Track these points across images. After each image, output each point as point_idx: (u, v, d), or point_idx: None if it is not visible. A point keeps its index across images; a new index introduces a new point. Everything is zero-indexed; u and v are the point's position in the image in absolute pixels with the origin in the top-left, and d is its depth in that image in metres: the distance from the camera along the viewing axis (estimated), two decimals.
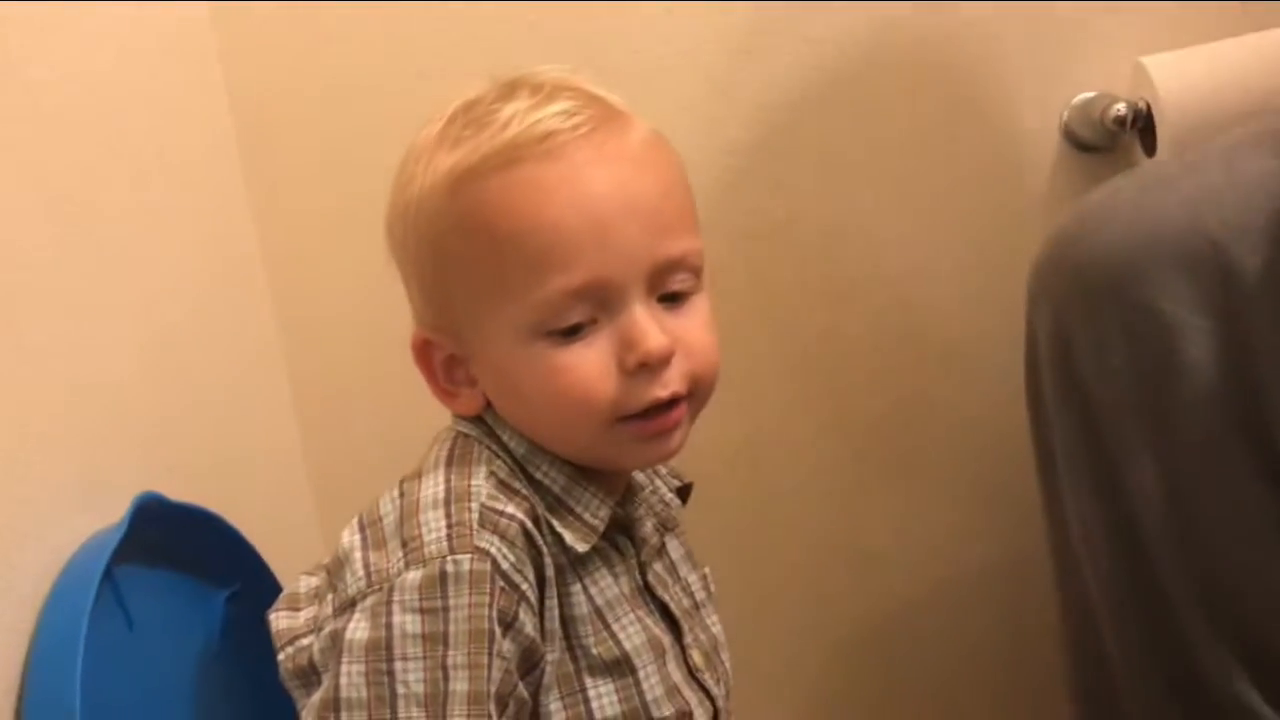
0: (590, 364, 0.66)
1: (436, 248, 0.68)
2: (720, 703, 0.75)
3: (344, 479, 1.21)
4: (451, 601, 0.62)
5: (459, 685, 0.61)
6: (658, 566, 0.76)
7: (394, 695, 0.61)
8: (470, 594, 0.62)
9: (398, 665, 0.61)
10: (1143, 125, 1.15)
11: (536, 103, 0.67)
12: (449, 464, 0.68)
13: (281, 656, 0.67)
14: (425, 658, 0.61)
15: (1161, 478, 0.89)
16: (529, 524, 0.66)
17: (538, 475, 0.70)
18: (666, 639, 0.73)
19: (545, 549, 0.67)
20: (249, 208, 1.19)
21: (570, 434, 0.69)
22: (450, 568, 0.62)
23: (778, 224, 1.24)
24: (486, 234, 0.66)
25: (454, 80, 1.14)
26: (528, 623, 0.64)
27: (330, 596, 0.67)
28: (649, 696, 0.69)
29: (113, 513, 0.75)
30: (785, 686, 1.33)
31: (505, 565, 0.63)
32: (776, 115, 1.22)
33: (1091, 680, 0.98)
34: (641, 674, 0.70)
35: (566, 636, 0.68)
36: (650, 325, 0.66)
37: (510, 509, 0.66)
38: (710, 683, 0.75)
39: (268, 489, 1.13)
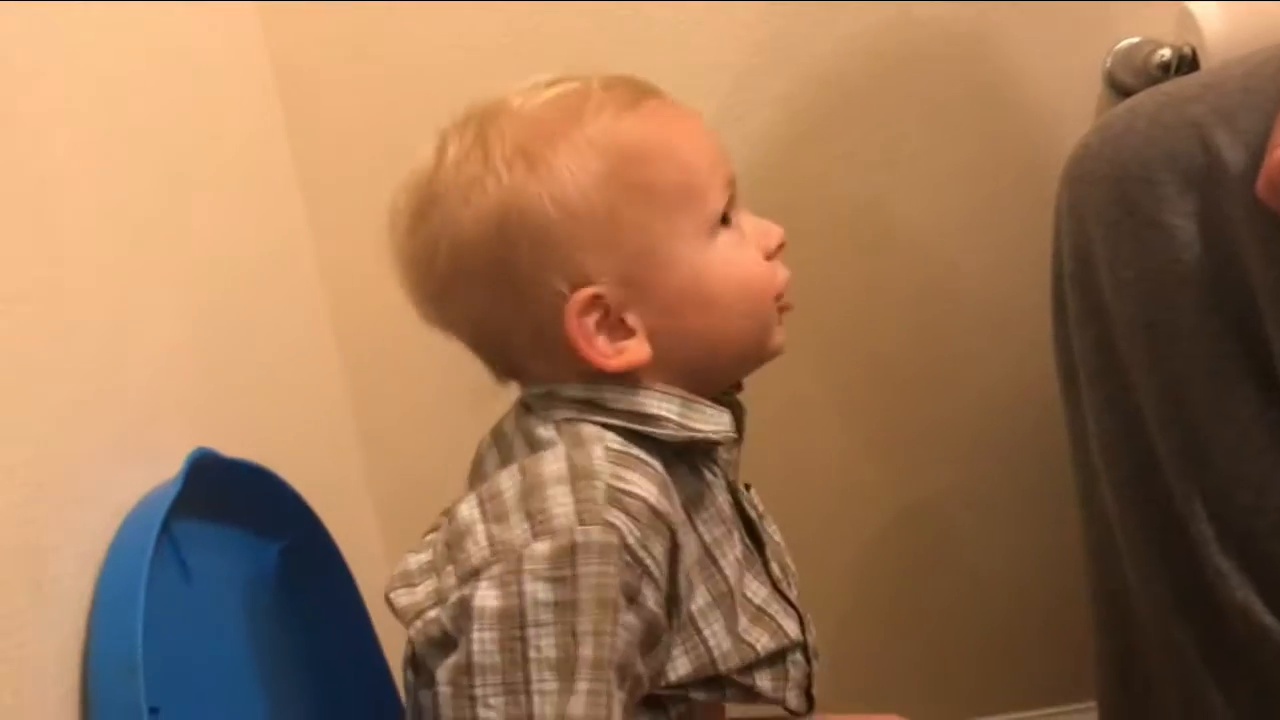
0: (753, 252, 0.75)
1: (613, 190, 0.70)
2: (804, 612, 0.78)
3: (392, 434, 1.23)
4: (580, 570, 0.63)
5: (586, 651, 0.63)
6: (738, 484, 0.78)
7: (527, 660, 0.62)
8: (598, 564, 0.63)
9: (530, 632, 0.63)
10: (1187, 71, 1.14)
11: (583, 76, 0.74)
12: (566, 445, 0.69)
13: (412, 632, 0.69)
14: (556, 623, 0.63)
15: (1168, 392, 0.91)
16: (654, 496, 0.67)
17: (654, 411, 0.71)
18: (754, 554, 0.77)
19: (677, 509, 0.68)
20: (295, 171, 1.21)
21: (747, 319, 0.74)
22: (580, 538, 0.64)
23: (815, 182, 1.24)
24: (664, 155, 0.72)
25: (494, 56, 1.17)
26: (650, 598, 0.66)
27: (450, 568, 0.68)
28: (740, 625, 0.72)
29: (168, 470, 0.77)
30: (821, 623, 1.34)
31: (631, 540, 0.65)
32: (816, 68, 1.22)
33: (1108, 588, 1.00)
34: (738, 605, 0.73)
35: (689, 582, 0.70)
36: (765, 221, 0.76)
37: (635, 486, 0.67)
38: (789, 592, 0.78)
39: (318, 445, 1.15)
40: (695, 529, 0.72)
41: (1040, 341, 1.05)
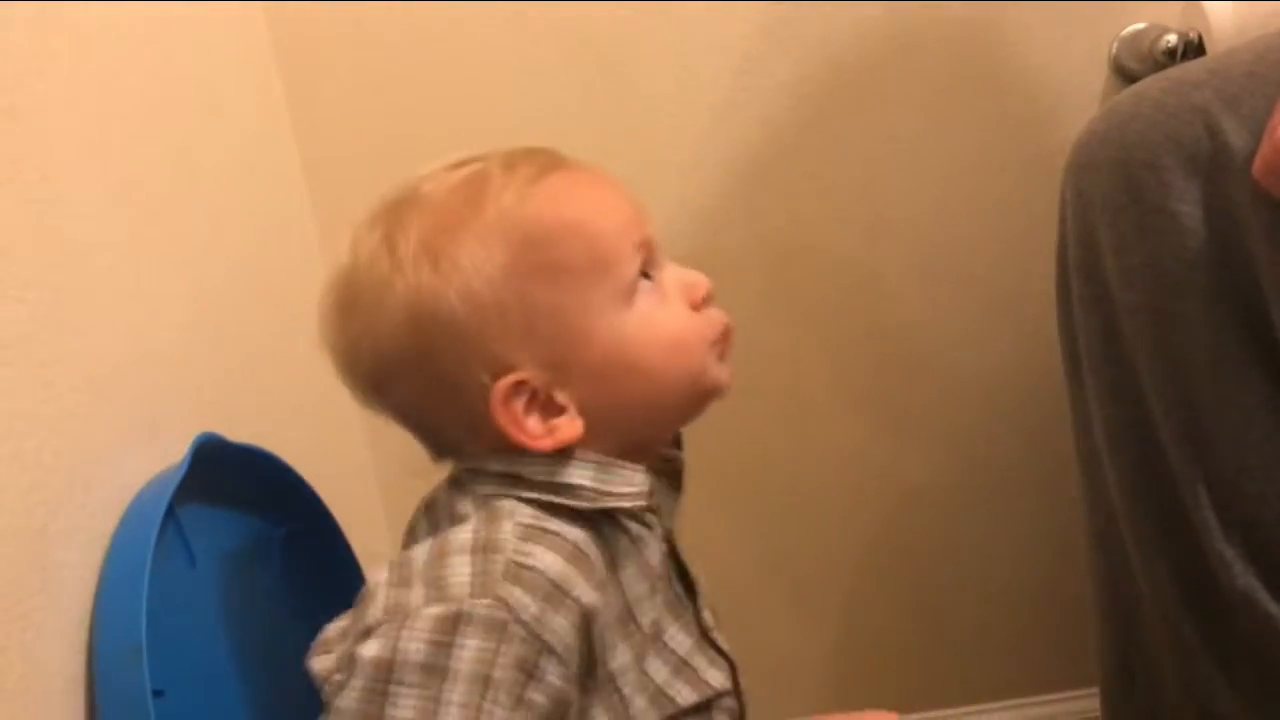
0: (681, 309, 0.74)
1: (519, 276, 0.69)
2: (734, 659, 0.77)
3: None
4: (460, 640, 0.63)
5: None
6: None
7: (382, 715, 0.62)
8: (480, 639, 0.63)
9: (393, 688, 0.62)
10: (1193, 57, 1.13)
11: (494, 153, 0.74)
12: (479, 520, 0.69)
13: (324, 695, 0.69)
14: (420, 687, 0.62)
15: (1173, 378, 0.91)
16: (555, 570, 0.67)
17: (571, 480, 0.71)
18: (683, 601, 0.77)
19: (587, 577, 0.68)
20: (299, 156, 1.21)
21: (680, 376, 0.73)
22: (468, 608, 0.64)
23: (817, 164, 1.24)
24: (566, 232, 0.71)
25: (494, 40, 1.17)
26: (552, 672, 0.65)
27: (353, 632, 0.69)
28: (658, 679, 0.72)
29: (174, 455, 0.77)
30: (820, 613, 1.35)
31: (526, 616, 0.65)
32: (820, 54, 1.22)
33: (1111, 575, 1.01)
34: (658, 653, 0.73)
35: (603, 642, 0.70)
36: (694, 273, 0.75)
37: (536, 560, 0.67)
38: (720, 640, 0.77)
39: (323, 430, 1.15)
40: (619, 586, 0.72)
41: (1045, 328, 1.04)
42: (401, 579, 0.67)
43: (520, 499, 0.70)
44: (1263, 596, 0.91)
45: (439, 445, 0.75)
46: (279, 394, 1.05)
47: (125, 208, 0.84)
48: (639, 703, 0.71)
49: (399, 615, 0.65)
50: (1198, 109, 0.89)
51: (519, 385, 0.70)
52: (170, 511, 0.74)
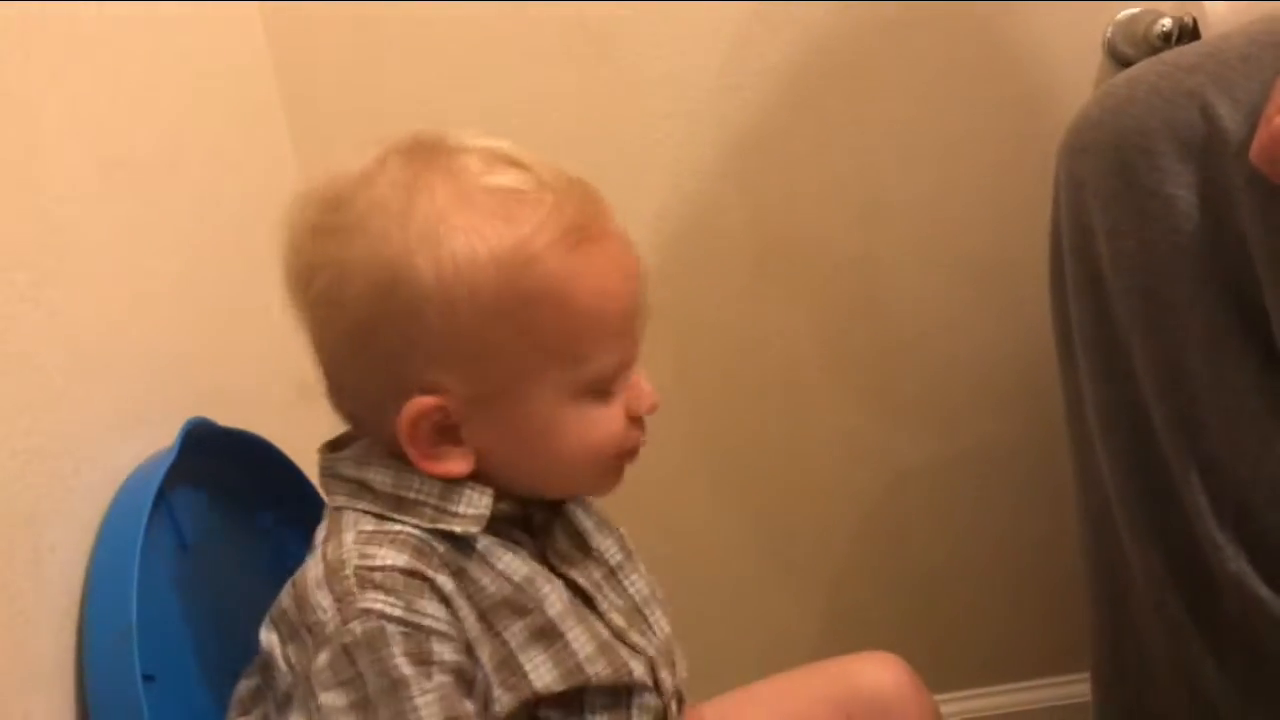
0: (618, 416, 0.73)
1: (498, 313, 0.68)
2: (652, 652, 0.76)
3: None
4: (359, 667, 0.64)
5: None
6: (561, 545, 0.76)
7: None
8: (371, 654, 0.64)
9: None
10: (1188, 41, 1.13)
11: (547, 173, 0.71)
12: (325, 541, 0.70)
13: None
14: (355, 712, 0.63)
15: (1166, 361, 0.92)
16: (406, 560, 0.67)
17: (410, 495, 0.70)
18: (582, 610, 0.75)
19: (438, 569, 0.68)
20: (289, 134, 1.21)
21: (578, 472, 0.73)
22: (348, 638, 0.64)
23: (811, 146, 1.24)
24: (568, 308, 0.69)
25: (487, 15, 1.16)
26: (445, 651, 0.66)
27: (269, 694, 0.70)
28: (581, 655, 0.71)
29: (165, 439, 0.77)
30: (812, 593, 1.35)
31: (396, 612, 0.65)
32: (815, 36, 1.21)
33: (1103, 558, 1.01)
34: (570, 635, 0.71)
35: (490, 627, 0.69)
36: (649, 383, 0.74)
37: (381, 559, 0.67)
38: (637, 639, 0.75)
39: (315, 416, 1.14)
40: (493, 570, 0.71)
41: (1038, 311, 1.04)
42: (289, 634, 0.68)
43: (363, 512, 0.70)
44: (1254, 580, 0.91)
45: (336, 398, 0.75)
46: (271, 378, 1.05)
47: (114, 188, 0.84)
48: (547, 677, 0.70)
49: (302, 677, 0.66)
50: (1192, 93, 0.89)
51: (436, 409, 0.69)
52: (161, 495, 0.74)
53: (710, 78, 1.22)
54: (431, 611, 0.66)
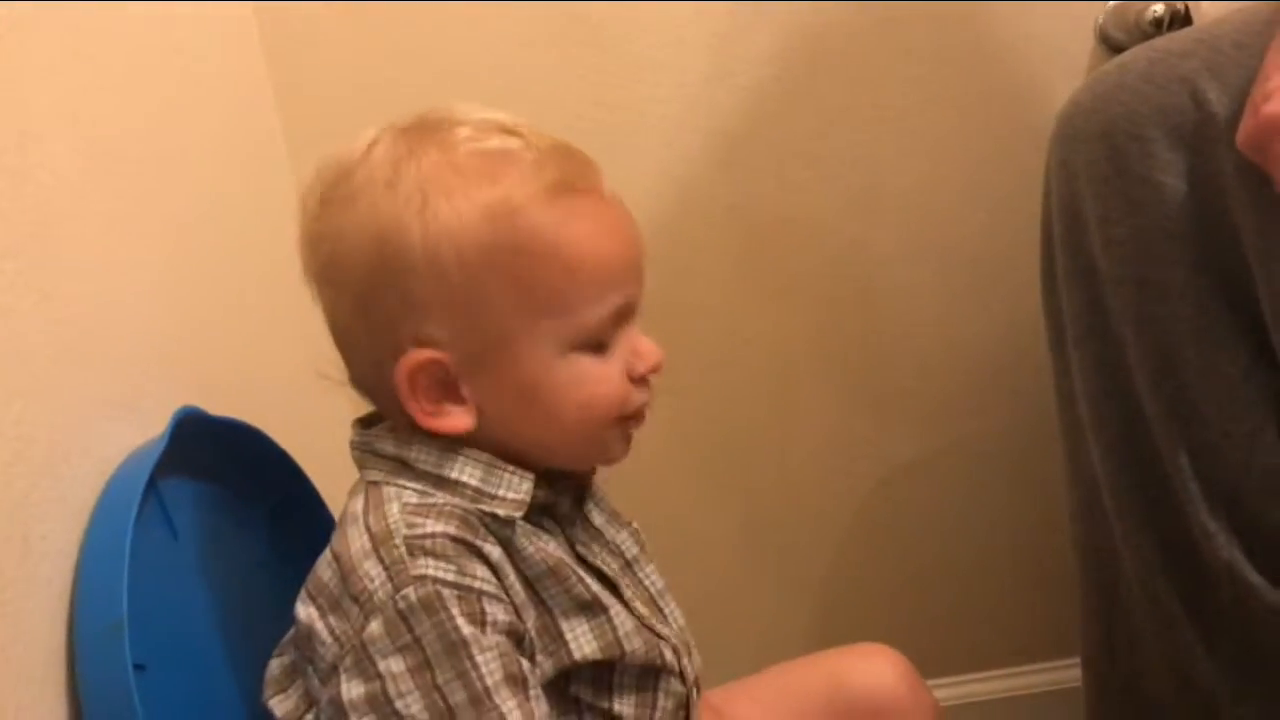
0: (616, 373, 0.73)
1: (487, 267, 0.69)
2: (675, 640, 0.77)
3: None
4: (418, 631, 0.65)
5: (457, 697, 0.64)
6: (583, 537, 0.77)
7: None
8: (429, 618, 0.65)
9: (399, 704, 0.65)
10: (1179, 28, 1.13)
11: (537, 138, 0.72)
12: (365, 514, 0.70)
13: None
14: (418, 688, 0.64)
15: (1157, 350, 0.92)
16: (454, 529, 0.68)
17: (452, 476, 0.71)
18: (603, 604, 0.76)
19: (484, 538, 0.69)
20: (280, 123, 1.20)
21: (579, 433, 0.73)
22: (403, 604, 0.65)
23: (801, 135, 1.24)
24: (553, 257, 0.70)
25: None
26: (498, 611, 0.67)
27: (309, 669, 0.70)
28: (621, 631, 0.73)
29: (156, 428, 0.77)
30: (802, 585, 1.35)
31: (449, 577, 0.66)
32: (808, 23, 1.21)
33: (1095, 546, 1.01)
34: (612, 610, 0.73)
35: (536, 595, 0.71)
36: (652, 341, 0.75)
37: (430, 527, 0.68)
38: (658, 625, 0.77)
39: (308, 405, 1.14)
40: (535, 545, 0.72)
41: (1029, 300, 1.04)
42: (330, 606, 0.68)
43: (404, 488, 0.71)
44: (1245, 567, 0.92)
45: (351, 369, 0.76)
46: (263, 367, 1.04)
47: (106, 176, 0.84)
48: (586, 649, 0.71)
49: (352, 644, 0.66)
50: (1183, 79, 0.89)
51: (433, 362, 0.70)
52: (152, 485, 0.74)
53: (702, 64, 1.22)
54: (481, 574, 0.67)
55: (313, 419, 1.16)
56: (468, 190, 0.69)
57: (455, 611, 0.65)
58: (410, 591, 0.65)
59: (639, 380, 0.74)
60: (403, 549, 0.67)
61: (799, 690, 0.88)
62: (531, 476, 0.72)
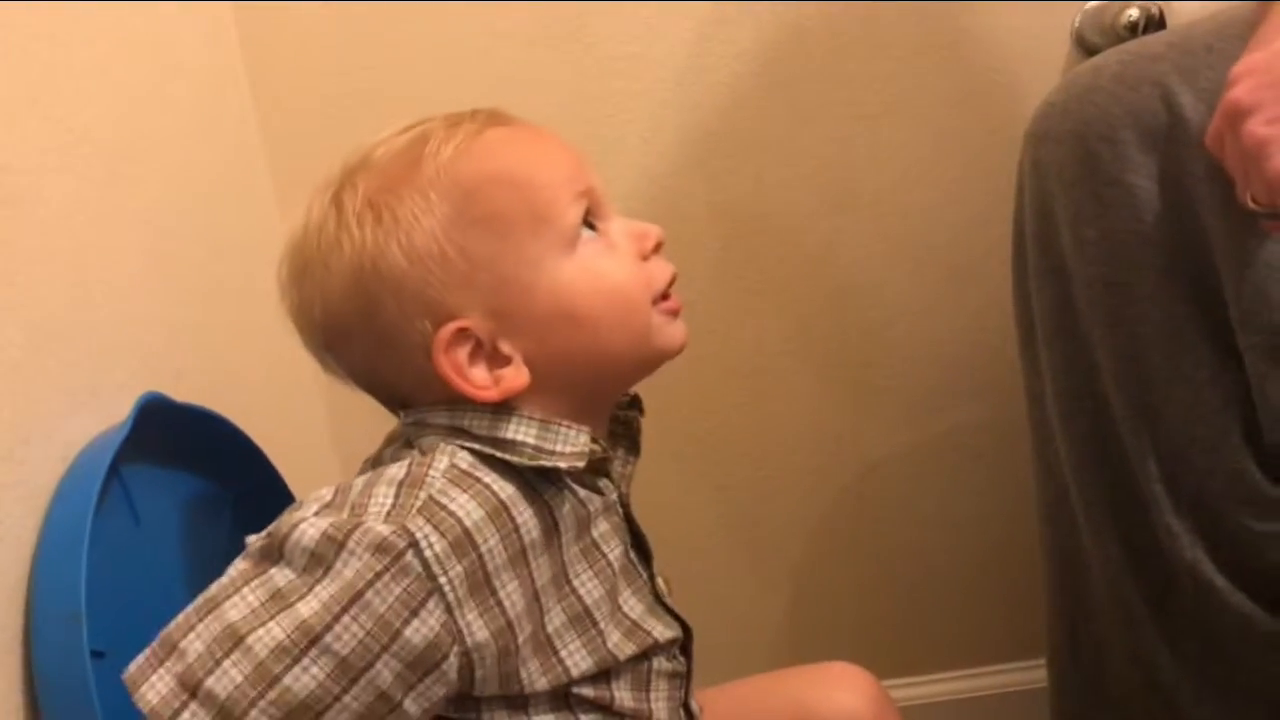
0: (623, 257, 0.74)
1: (458, 228, 0.71)
2: (689, 625, 0.78)
3: None
4: (351, 545, 0.64)
5: (305, 609, 0.63)
6: (628, 500, 0.78)
7: (258, 579, 0.65)
8: (368, 556, 0.64)
9: (281, 564, 0.65)
10: (1154, 31, 1.14)
11: (446, 114, 0.75)
12: (420, 451, 0.71)
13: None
14: (303, 574, 0.64)
15: (1126, 351, 0.92)
16: (471, 520, 0.67)
17: (511, 436, 0.71)
18: (638, 568, 0.77)
19: (506, 533, 0.68)
20: (255, 110, 1.20)
21: (625, 329, 0.74)
22: (370, 525, 0.64)
23: (780, 133, 1.24)
24: (503, 184, 0.72)
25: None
26: (435, 615, 0.65)
27: None
28: (610, 642, 0.73)
29: (119, 414, 0.76)
30: (777, 579, 1.36)
31: (427, 551, 0.65)
32: (784, 21, 1.21)
33: (1061, 546, 1.02)
34: (602, 624, 0.73)
35: (539, 605, 0.70)
36: (643, 223, 0.76)
37: (456, 505, 0.67)
38: (674, 605, 0.78)
39: (277, 392, 1.14)
40: (554, 549, 0.72)
41: (1004, 299, 1.05)
42: (335, 503, 0.68)
43: (460, 447, 0.70)
44: (1209, 568, 0.92)
45: (394, 401, 0.76)
46: (231, 354, 1.04)
47: (72, 161, 0.83)
48: (583, 665, 0.72)
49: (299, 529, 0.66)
50: (1155, 82, 0.89)
51: (461, 333, 0.70)
52: (115, 471, 0.73)
53: (681, 59, 1.22)
54: (454, 577, 0.66)
55: (284, 406, 1.16)
56: (407, 179, 0.71)
57: (395, 581, 0.64)
58: (386, 529, 0.64)
59: (649, 257, 0.75)
60: (420, 502, 0.66)
61: (762, 713, 0.88)
62: (587, 430, 0.72)
